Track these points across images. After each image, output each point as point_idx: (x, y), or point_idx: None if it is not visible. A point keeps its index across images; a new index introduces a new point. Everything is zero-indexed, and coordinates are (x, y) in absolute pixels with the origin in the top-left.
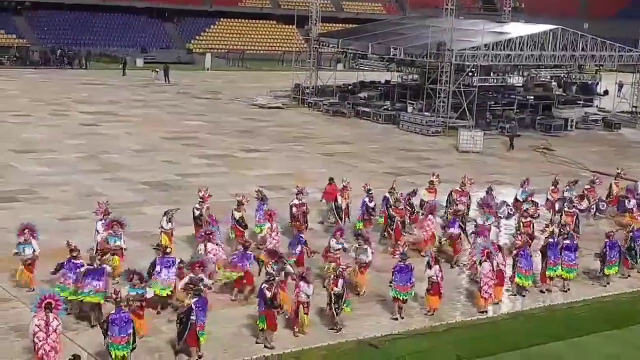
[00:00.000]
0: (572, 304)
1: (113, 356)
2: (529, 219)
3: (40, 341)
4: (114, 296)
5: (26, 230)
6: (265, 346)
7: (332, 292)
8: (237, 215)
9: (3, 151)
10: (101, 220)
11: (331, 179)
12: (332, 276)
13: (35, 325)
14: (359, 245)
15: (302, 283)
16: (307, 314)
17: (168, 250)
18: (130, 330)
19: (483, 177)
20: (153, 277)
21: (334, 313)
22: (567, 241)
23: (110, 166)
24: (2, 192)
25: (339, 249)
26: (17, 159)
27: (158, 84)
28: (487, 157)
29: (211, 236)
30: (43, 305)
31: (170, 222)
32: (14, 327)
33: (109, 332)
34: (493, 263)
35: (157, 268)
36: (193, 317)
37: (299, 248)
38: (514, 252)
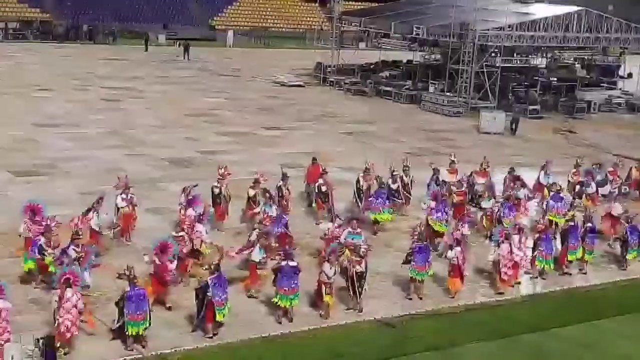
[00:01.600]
0: (591, 287)
1: (129, 333)
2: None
3: (60, 317)
4: (127, 273)
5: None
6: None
7: (354, 272)
8: (252, 193)
9: (26, 125)
10: (121, 194)
11: (314, 159)
12: (353, 257)
13: (55, 301)
14: (352, 228)
15: (325, 264)
16: (329, 294)
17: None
18: (146, 307)
19: (503, 159)
20: None
21: (358, 293)
22: (589, 224)
23: (131, 142)
24: (25, 165)
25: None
26: (39, 133)
27: (179, 60)
28: (508, 139)
29: (201, 217)
30: (62, 281)
31: (187, 198)
32: (35, 299)
33: (125, 310)
34: (511, 244)
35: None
36: (209, 294)
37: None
38: (536, 235)
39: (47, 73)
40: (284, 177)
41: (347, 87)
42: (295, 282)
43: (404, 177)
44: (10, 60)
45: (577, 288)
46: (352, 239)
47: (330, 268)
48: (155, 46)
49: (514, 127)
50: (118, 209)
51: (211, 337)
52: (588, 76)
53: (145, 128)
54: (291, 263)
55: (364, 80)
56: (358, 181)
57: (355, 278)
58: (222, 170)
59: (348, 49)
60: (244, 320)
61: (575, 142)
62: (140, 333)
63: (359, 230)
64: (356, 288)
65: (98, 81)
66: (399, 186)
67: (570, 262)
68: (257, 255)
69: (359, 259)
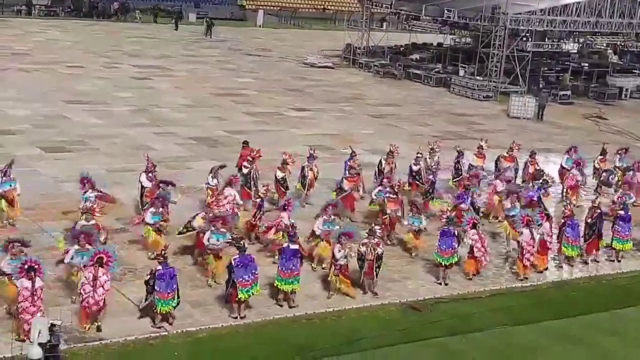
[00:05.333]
0: (619, 274)
1: (160, 311)
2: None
3: (86, 293)
4: (161, 251)
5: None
6: (290, 306)
7: (375, 254)
8: (280, 175)
9: (56, 101)
10: (147, 173)
11: (245, 142)
12: (373, 240)
13: (84, 277)
14: (327, 216)
15: (336, 246)
16: (338, 275)
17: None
18: (175, 286)
19: (532, 144)
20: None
21: (375, 274)
22: (622, 212)
23: (159, 120)
24: (55, 142)
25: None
26: (69, 110)
27: (203, 38)
28: (537, 124)
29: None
30: (95, 259)
31: (215, 178)
32: (61, 276)
33: (155, 288)
34: (532, 231)
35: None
36: (233, 274)
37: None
38: (562, 221)
39: (76, 50)
40: (311, 157)
41: (377, 69)
42: (295, 264)
43: (427, 160)
44: (41, 36)
45: (604, 275)
46: (328, 227)
47: (339, 251)
48: (186, 25)
49: (540, 113)
50: (143, 188)
51: (235, 318)
52: (620, 62)
53: (173, 106)
54: (292, 246)
55: (393, 63)
56: (380, 163)
57: (374, 260)
58: (254, 152)
59: (377, 31)
60: (269, 300)
61: (605, 128)
62: (170, 311)
63: (333, 218)
64: (374, 269)
65: (127, 59)
66: (420, 168)
67: (597, 249)
68: None
69: (377, 241)
